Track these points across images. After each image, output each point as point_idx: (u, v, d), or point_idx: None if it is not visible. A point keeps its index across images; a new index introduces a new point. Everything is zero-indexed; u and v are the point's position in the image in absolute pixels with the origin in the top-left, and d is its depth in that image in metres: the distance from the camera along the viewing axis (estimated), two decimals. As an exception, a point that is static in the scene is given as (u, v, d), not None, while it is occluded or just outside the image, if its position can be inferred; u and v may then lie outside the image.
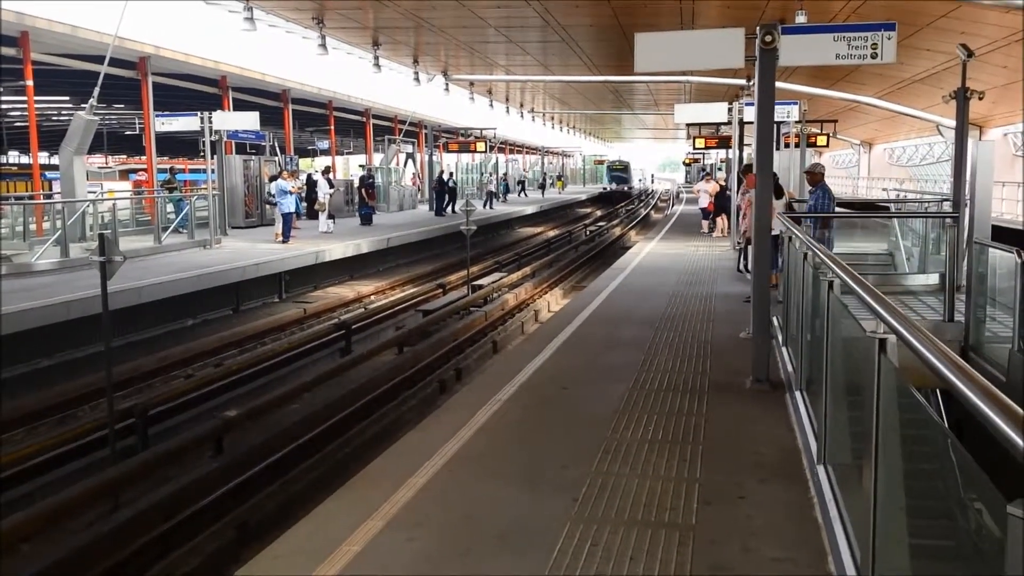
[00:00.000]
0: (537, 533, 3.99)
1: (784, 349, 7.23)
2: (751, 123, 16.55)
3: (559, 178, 64.96)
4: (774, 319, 8.17)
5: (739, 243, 13.08)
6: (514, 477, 4.76)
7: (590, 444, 5.26)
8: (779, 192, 12.21)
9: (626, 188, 64.98)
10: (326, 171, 25.88)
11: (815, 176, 11.24)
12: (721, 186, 22.08)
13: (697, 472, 4.79)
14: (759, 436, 5.39)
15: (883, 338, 2.58)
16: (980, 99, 10.36)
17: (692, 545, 3.84)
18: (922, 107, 24.96)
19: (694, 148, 29.17)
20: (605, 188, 65.01)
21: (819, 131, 26.45)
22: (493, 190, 37.79)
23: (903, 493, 2.63)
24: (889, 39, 7.20)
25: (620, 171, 66.66)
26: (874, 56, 7.25)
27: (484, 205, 35.18)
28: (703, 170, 34.88)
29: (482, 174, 41.45)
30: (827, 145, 28.24)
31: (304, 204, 25.25)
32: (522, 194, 50.87)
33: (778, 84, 24.56)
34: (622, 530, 4.02)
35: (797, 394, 5.82)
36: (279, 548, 3.97)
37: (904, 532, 2.67)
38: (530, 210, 38.12)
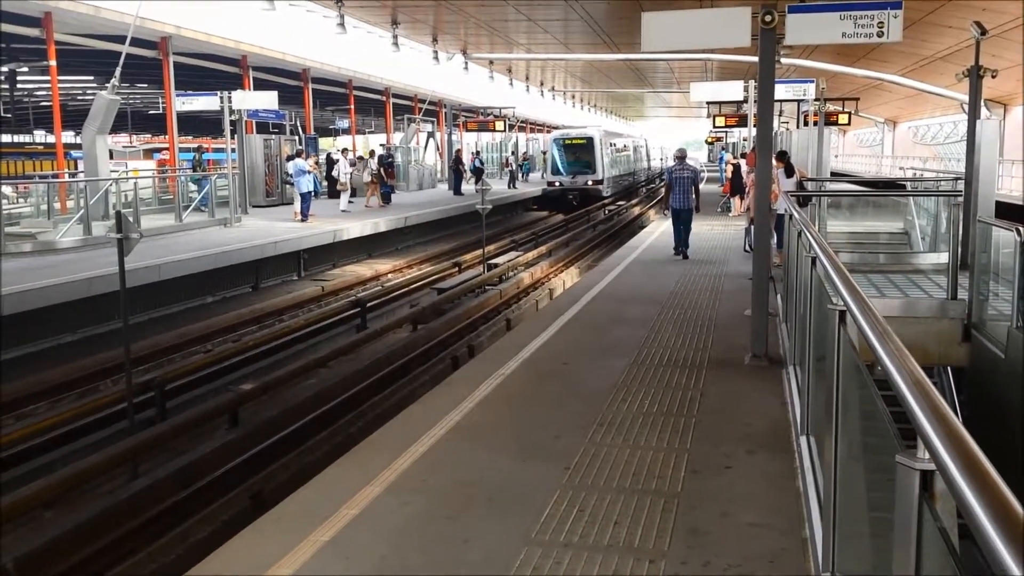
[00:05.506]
0: (527, 498, 4.16)
1: (784, 326, 7.33)
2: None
3: None
4: (777, 296, 8.25)
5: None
6: (510, 446, 4.93)
7: (586, 416, 5.42)
8: (790, 171, 12.23)
9: (589, 183, 33.16)
10: (344, 152, 26.04)
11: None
12: (734, 165, 21.97)
13: (688, 443, 4.93)
14: (752, 409, 5.52)
15: (842, 311, 2.70)
16: (993, 77, 10.33)
17: (675, 511, 4.00)
18: (945, 85, 24.65)
19: (714, 127, 29.00)
20: (549, 184, 33.82)
21: (840, 109, 26.22)
22: (513, 169, 37.84)
23: (860, 462, 2.75)
24: (895, 17, 7.17)
25: (578, 150, 33.82)
26: (880, 35, 7.23)
27: (509, 185, 35.23)
28: (724, 148, 34.36)
29: (512, 152, 40.34)
30: (848, 123, 27.99)
31: (324, 183, 25.51)
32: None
33: (798, 61, 24.17)
34: (609, 496, 4.18)
35: (791, 369, 5.94)
36: (281, 511, 4.17)
37: (863, 502, 2.79)
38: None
